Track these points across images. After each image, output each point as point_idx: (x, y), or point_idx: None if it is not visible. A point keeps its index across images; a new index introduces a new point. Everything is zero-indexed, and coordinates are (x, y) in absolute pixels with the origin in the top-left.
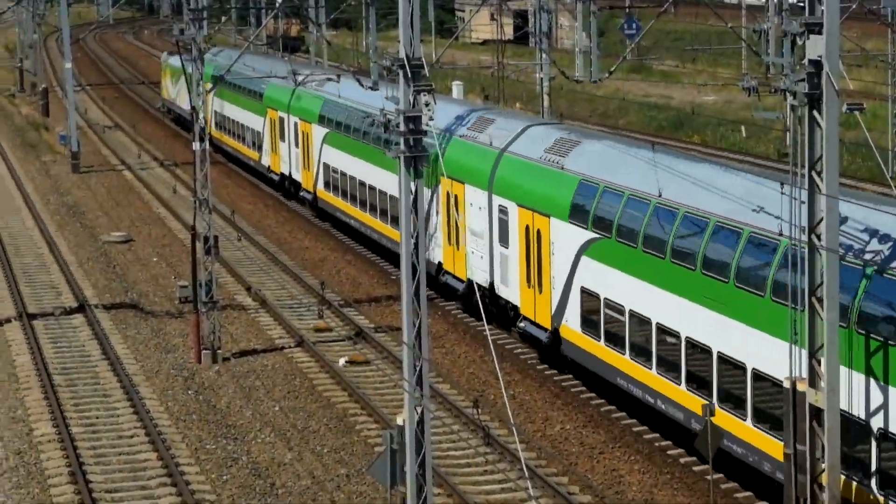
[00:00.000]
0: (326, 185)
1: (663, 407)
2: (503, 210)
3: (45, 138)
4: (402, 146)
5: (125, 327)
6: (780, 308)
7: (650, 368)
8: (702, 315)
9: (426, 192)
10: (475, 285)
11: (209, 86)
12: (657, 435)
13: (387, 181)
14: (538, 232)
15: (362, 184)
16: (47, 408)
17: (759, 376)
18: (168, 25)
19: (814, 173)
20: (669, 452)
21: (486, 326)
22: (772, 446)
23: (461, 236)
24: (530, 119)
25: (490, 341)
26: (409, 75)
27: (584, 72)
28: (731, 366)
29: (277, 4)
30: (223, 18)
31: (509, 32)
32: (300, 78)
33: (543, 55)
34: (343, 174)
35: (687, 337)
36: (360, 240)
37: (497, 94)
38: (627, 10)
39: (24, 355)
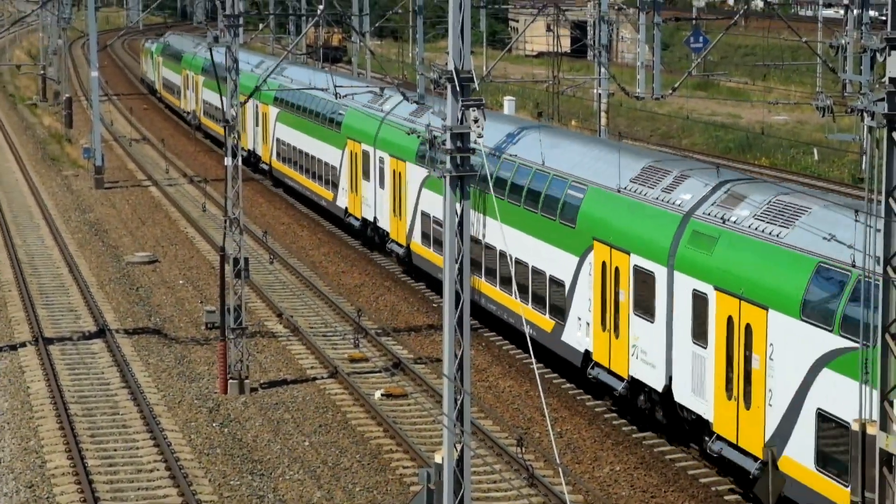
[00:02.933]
0: (425, 238)
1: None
2: (695, 295)
3: (68, 151)
4: (447, 164)
5: (147, 354)
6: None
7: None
8: None
9: (572, 258)
10: (644, 388)
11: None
12: (715, 478)
13: (523, 243)
14: (748, 327)
15: (475, 241)
16: (62, 438)
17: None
18: (202, 32)
19: (892, 200)
20: (727, 498)
21: (534, 360)
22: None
23: (622, 322)
24: (724, 173)
25: (537, 375)
26: (458, 89)
27: (646, 88)
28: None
29: (319, 12)
30: (260, 26)
31: (566, 45)
32: (342, 91)
33: (602, 69)
34: None
35: None
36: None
37: (551, 110)
38: (694, 22)
39: (39, 382)
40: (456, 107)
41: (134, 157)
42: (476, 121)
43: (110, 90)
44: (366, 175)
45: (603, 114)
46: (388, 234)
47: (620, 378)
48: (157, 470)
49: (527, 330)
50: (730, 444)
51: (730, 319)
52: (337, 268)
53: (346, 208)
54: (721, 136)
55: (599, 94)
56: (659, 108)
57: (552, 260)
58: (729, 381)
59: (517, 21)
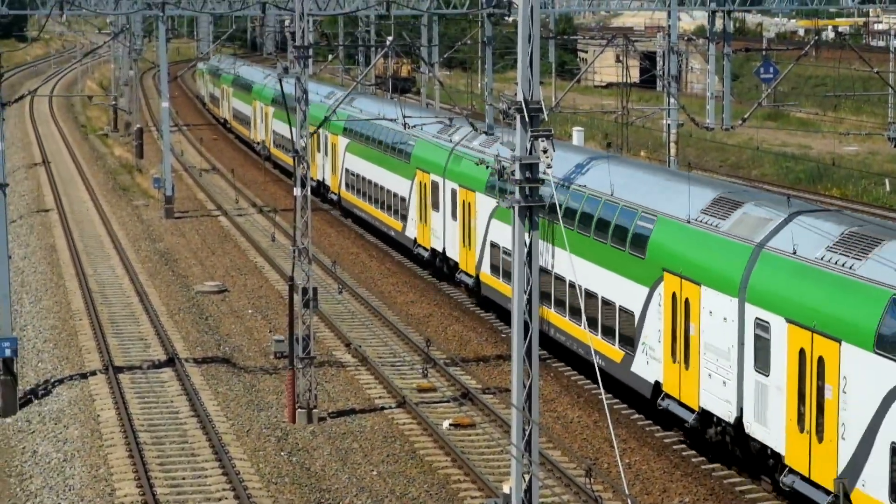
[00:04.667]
0: (494, 269)
1: None
2: (762, 325)
3: (138, 181)
4: (516, 195)
5: (216, 383)
6: None
7: None
8: None
9: (642, 289)
10: (714, 420)
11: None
12: None
13: (592, 273)
14: (820, 359)
15: (544, 271)
16: (131, 467)
17: None
18: (272, 63)
19: None
20: None
21: (602, 390)
22: None
23: (692, 353)
24: (795, 204)
25: (605, 405)
26: (527, 120)
27: (716, 118)
28: None
29: (388, 43)
30: (329, 57)
31: (635, 75)
32: (411, 121)
33: (672, 100)
34: None
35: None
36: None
37: (620, 141)
38: (764, 52)
39: (109, 410)
40: (525, 137)
41: (203, 187)
42: (545, 151)
43: (181, 121)
44: (435, 206)
45: (672, 144)
46: (457, 264)
47: (691, 409)
48: (226, 499)
49: (596, 360)
50: (802, 477)
51: (802, 352)
52: (405, 298)
53: (415, 239)
54: (791, 167)
55: (669, 125)
56: (728, 139)
57: (622, 290)
58: (801, 413)
59: (586, 52)
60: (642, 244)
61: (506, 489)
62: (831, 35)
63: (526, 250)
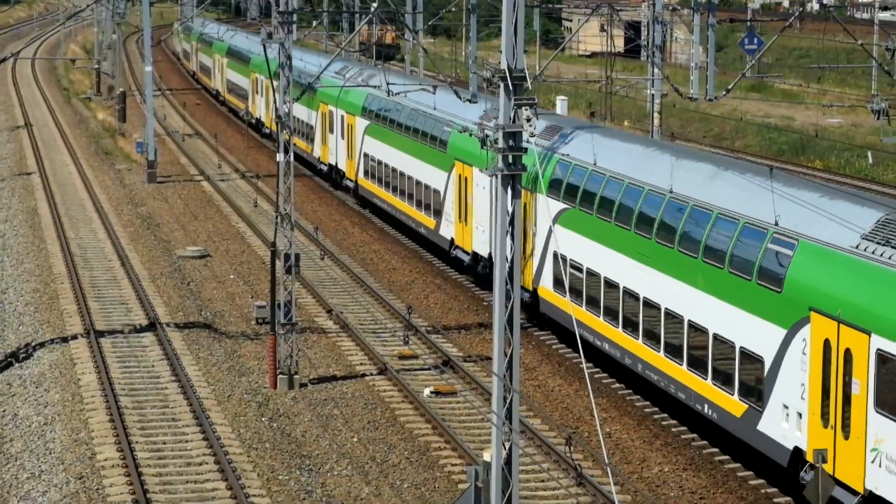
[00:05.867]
0: (557, 283)
1: None
2: None
3: (121, 145)
4: (499, 163)
5: (198, 348)
6: None
7: None
8: None
9: (777, 330)
10: None
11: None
12: (762, 481)
13: (703, 306)
14: None
15: (631, 295)
16: (112, 431)
17: None
18: (256, 28)
19: None
20: (777, 500)
21: (583, 359)
22: None
23: (855, 418)
24: None
25: (586, 374)
26: (511, 88)
27: (700, 89)
28: None
29: (372, 9)
30: (314, 23)
31: (620, 45)
32: (395, 89)
33: (656, 70)
34: (595, 273)
35: None
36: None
37: (604, 110)
38: (749, 23)
39: (90, 374)
40: (508, 105)
41: (186, 152)
42: (528, 119)
43: (163, 85)
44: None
45: (656, 114)
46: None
47: (853, 491)
48: (206, 463)
49: (706, 411)
50: None
51: None
52: (388, 265)
53: (453, 239)
54: (774, 139)
55: (653, 95)
56: (712, 110)
57: (745, 330)
58: None
59: (571, 21)
60: (778, 275)
61: (486, 457)
62: (815, 7)
63: (508, 219)
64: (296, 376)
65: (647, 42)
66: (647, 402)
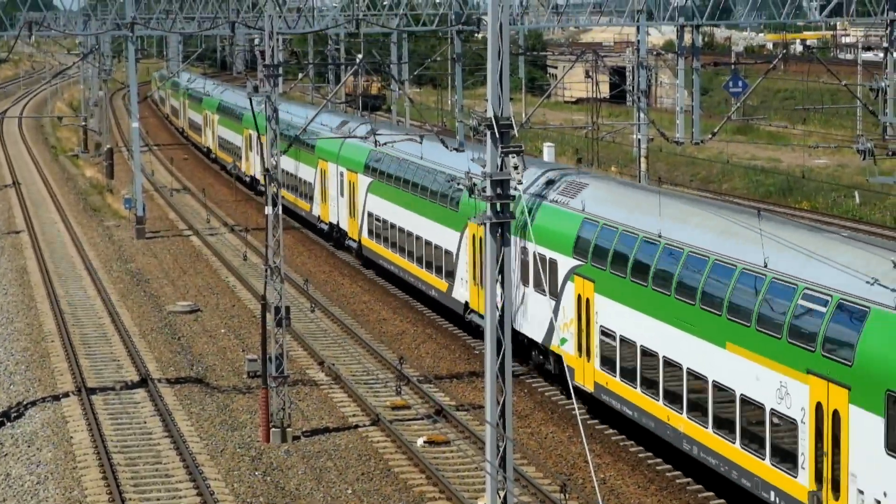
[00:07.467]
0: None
1: None
2: None
3: (109, 202)
4: (488, 212)
5: (190, 403)
6: None
7: None
8: None
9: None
10: None
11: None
12: None
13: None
14: None
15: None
16: (105, 488)
17: None
18: (242, 82)
19: None
20: None
21: (575, 405)
22: None
23: None
24: None
25: (579, 421)
26: (497, 136)
27: (686, 133)
28: None
29: (358, 61)
30: (300, 75)
31: (605, 90)
32: (381, 139)
33: (641, 115)
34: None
35: None
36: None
37: (591, 156)
38: (733, 66)
39: (82, 432)
40: (495, 153)
41: (175, 207)
42: (516, 167)
43: (150, 141)
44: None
45: (643, 159)
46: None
47: None
48: None
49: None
50: None
51: None
52: (378, 315)
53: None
54: (761, 181)
55: (639, 140)
56: (699, 153)
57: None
58: None
59: (556, 67)
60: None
61: None
62: (799, 48)
63: (497, 266)
64: (289, 429)
65: (632, 87)
66: (641, 448)
